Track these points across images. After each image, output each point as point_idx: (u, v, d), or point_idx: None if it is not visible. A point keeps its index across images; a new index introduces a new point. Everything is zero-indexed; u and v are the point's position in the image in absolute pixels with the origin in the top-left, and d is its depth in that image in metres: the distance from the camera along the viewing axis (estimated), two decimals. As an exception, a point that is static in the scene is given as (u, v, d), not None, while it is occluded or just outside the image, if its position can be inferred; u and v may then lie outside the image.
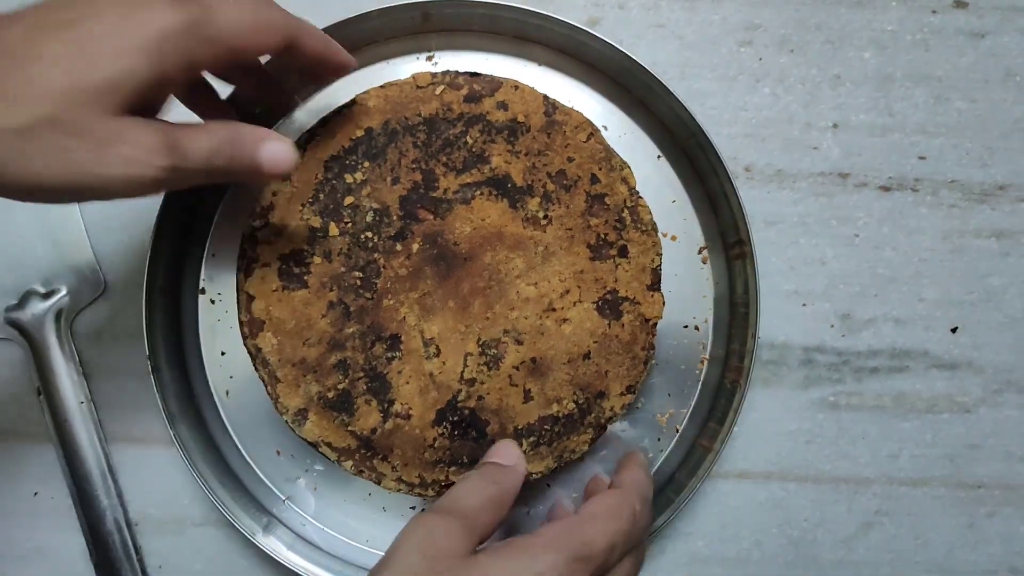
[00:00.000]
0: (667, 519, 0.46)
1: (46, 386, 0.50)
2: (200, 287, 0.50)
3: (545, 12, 0.46)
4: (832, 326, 0.51)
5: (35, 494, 0.50)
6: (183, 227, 0.49)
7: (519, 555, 0.33)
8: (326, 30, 0.44)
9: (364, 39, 0.49)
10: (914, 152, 0.51)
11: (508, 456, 0.40)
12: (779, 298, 0.50)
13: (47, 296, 0.51)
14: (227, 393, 0.50)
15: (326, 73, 0.40)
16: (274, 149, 0.36)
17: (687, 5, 0.51)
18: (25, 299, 0.50)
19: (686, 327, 0.50)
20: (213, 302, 0.50)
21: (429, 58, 0.50)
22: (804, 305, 0.51)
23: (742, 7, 0.51)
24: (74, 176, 0.31)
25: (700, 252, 0.50)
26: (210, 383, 0.50)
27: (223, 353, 0.49)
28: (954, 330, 0.50)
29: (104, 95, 0.31)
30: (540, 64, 0.50)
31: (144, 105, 0.32)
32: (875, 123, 0.51)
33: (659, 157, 0.50)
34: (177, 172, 0.33)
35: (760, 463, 0.50)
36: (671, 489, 0.48)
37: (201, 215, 0.50)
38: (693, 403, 0.49)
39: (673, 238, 0.50)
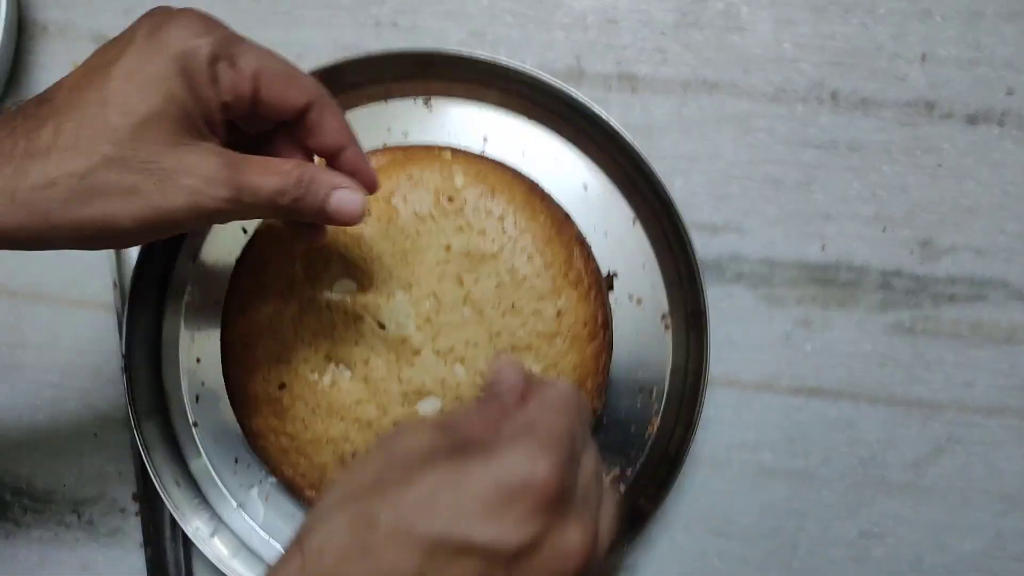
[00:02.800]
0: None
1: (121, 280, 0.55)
2: (186, 295, 0.56)
3: (532, 71, 0.52)
4: (911, 252, 0.55)
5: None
6: (175, 238, 0.55)
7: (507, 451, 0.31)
8: (330, 67, 0.52)
9: (365, 79, 0.55)
10: (1002, 86, 0.56)
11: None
12: (859, 221, 0.56)
13: None
14: (196, 399, 0.55)
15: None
16: (345, 199, 0.39)
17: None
18: None
19: (641, 390, 0.55)
20: (198, 311, 0.55)
21: (426, 102, 0.57)
22: (884, 230, 0.56)
23: (834, -63, 0.55)
24: (142, 213, 0.34)
25: (663, 319, 0.55)
26: (182, 387, 0.55)
27: (199, 360, 0.55)
28: (1035, 263, 0.56)
29: (154, 125, 0.33)
30: (529, 118, 0.56)
31: (198, 128, 0.35)
32: (963, 56, 0.56)
33: (634, 221, 0.56)
34: (240, 205, 0.36)
35: (832, 381, 0.55)
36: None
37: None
38: (639, 466, 0.55)
39: (639, 302, 0.55)
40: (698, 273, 0.51)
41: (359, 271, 0.50)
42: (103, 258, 0.56)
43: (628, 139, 0.52)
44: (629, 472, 0.54)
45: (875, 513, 0.55)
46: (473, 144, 0.55)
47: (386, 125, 0.56)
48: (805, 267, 0.55)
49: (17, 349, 0.56)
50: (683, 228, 0.51)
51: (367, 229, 0.50)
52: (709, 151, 0.56)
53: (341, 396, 0.50)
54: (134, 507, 0.56)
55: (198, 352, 0.55)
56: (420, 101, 0.56)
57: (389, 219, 0.50)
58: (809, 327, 0.55)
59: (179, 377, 0.55)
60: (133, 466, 0.55)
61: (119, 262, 0.55)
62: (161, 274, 0.55)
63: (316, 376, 0.50)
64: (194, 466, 0.55)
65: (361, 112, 0.56)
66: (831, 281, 0.55)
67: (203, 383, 0.55)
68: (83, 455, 0.56)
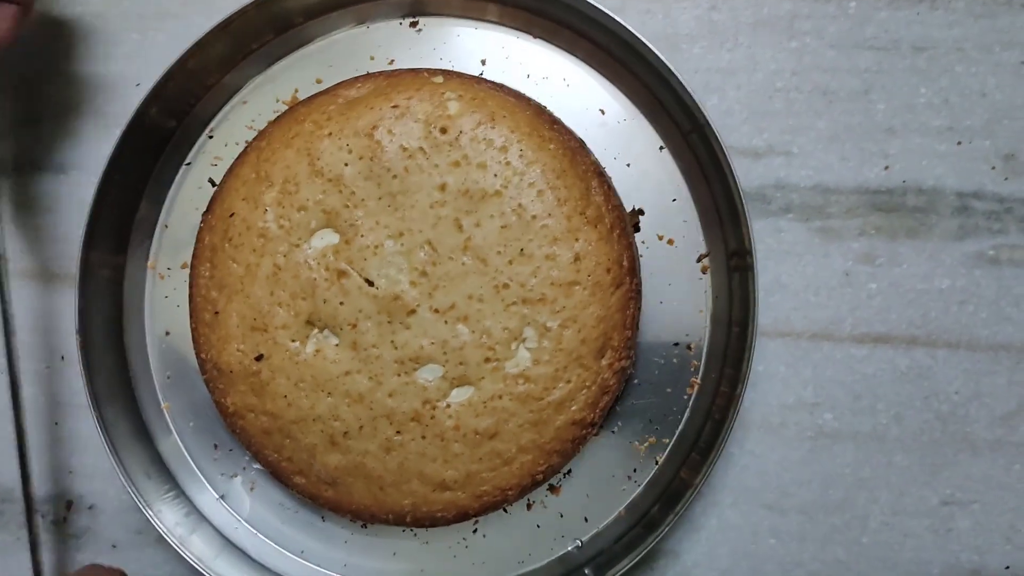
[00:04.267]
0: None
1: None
2: (149, 260, 0.51)
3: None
4: (993, 168, 0.50)
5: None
6: (133, 192, 0.51)
7: None
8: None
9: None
10: (1093, -36, 0.53)
11: None
12: (929, 135, 0.51)
13: None
14: (168, 377, 0.51)
15: None
16: None
17: None
18: None
19: (677, 345, 0.50)
20: (162, 277, 0.51)
21: (413, 24, 0.51)
22: (959, 143, 0.50)
23: None
24: None
25: (700, 260, 0.50)
26: (150, 362, 0.51)
27: (167, 333, 0.51)
28: None
29: None
30: (535, 37, 0.50)
31: None
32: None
33: (661, 149, 0.50)
34: None
35: (902, 326, 0.51)
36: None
37: (158, 180, 0.51)
38: (678, 432, 0.50)
39: (670, 242, 0.50)
40: (741, 205, 0.47)
41: (340, 219, 0.46)
42: (61, 223, 0.51)
43: (652, 51, 0.47)
44: (667, 440, 0.49)
45: (958, 477, 0.51)
46: (469, 69, 0.51)
47: (368, 53, 0.51)
48: (866, 192, 0.51)
49: (-39, 330, 0.54)
50: (722, 153, 0.47)
51: (347, 170, 0.46)
52: (746, 62, 0.51)
53: (327, 366, 0.45)
54: (106, 504, 0.51)
55: (166, 323, 0.51)
56: (406, 23, 0.51)
57: (372, 156, 0.46)
58: (873, 263, 0.50)
59: (146, 354, 0.51)
60: (18, 457, 0.50)
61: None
62: (117, 235, 0.51)
63: (297, 344, 0.46)
64: (168, 455, 0.51)
65: (338, 38, 0.51)
66: (897, 207, 0.50)
67: (174, 359, 0.51)
68: (44, 447, 0.52)
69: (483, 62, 0.50)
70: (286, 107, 0.50)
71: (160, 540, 0.50)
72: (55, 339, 0.52)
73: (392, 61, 0.51)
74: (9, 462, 0.51)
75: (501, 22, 0.51)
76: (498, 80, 0.49)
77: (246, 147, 0.49)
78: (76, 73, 0.52)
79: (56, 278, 0.51)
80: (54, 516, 0.52)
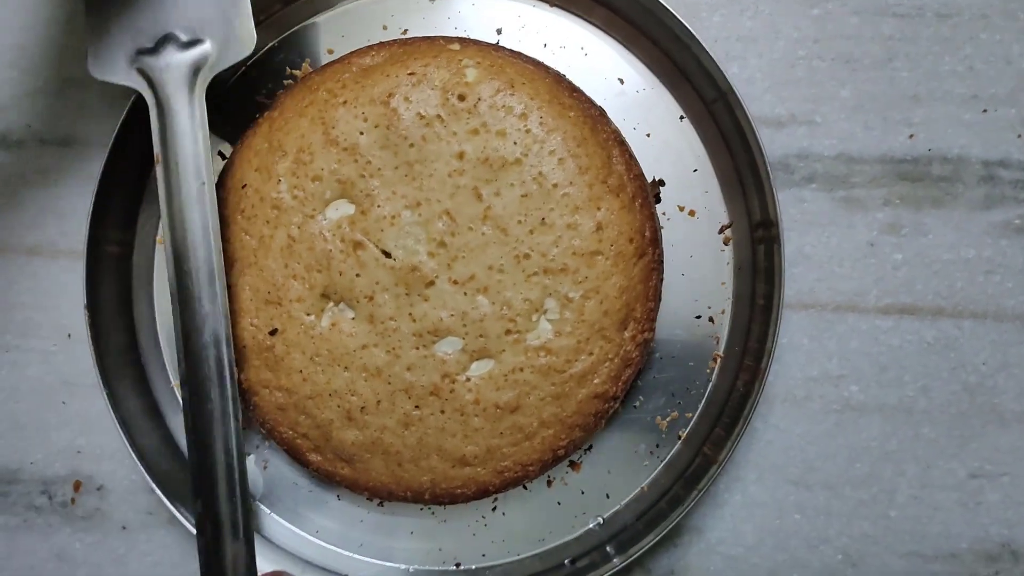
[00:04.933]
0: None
1: (166, 153, 0.44)
2: (158, 234, 0.51)
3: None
4: (1019, 136, 0.50)
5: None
6: (141, 165, 0.49)
7: None
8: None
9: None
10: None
11: None
12: (954, 103, 0.50)
13: (188, 46, 0.46)
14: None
15: None
16: None
17: None
18: (162, 45, 0.46)
19: (699, 318, 0.49)
20: None
21: None
22: (985, 111, 0.50)
23: None
24: None
25: (722, 232, 0.49)
26: (159, 340, 0.50)
27: None
28: None
29: None
30: (551, 5, 0.51)
31: None
32: None
33: (682, 118, 0.50)
34: None
35: (928, 296, 0.50)
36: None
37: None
38: (701, 407, 0.49)
39: (691, 214, 0.49)
40: (767, 175, 0.46)
41: (356, 189, 0.45)
42: (68, 198, 0.50)
43: (675, 17, 0.47)
44: (689, 415, 0.48)
45: (987, 449, 0.50)
46: (485, 38, 0.51)
47: (380, 22, 0.51)
48: (890, 161, 0.50)
49: (-33, 309, 0.54)
50: (747, 122, 0.47)
51: (363, 138, 0.45)
52: (767, 30, 0.50)
53: (343, 340, 0.45)
54: (115, 485, 0.51)
55: (174, 300, 0.50)
56: (428, -9, 0.53)
57: (389, 125, 0.45)
58: (898, 233, 0.50)
59: (155, 331, 0.51)
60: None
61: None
62: (125, 210, 0.50)
63: (313, 318, 0.45)
64: (179, 434, 0.50)
65: (349, 8, 0.50)
66: (922, 176, 0.50)
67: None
68: (50, 427, 0.52)
69: (499, 31, 0.50)
70: (297, 79, 0.49)
71: (172, 521, 0.50)
72: (61, 317, 0.51)
73: (405, 31, 0.50)
74: (12, 444, 0.51)
75: (520, -12, 0.52)
76: (515, 50, 0.48)
77: (258, 117, 0.48)
78: (82, 45, 0.51)
79: (62, 254, 0.51)
80: (62, 497, 0.51)
